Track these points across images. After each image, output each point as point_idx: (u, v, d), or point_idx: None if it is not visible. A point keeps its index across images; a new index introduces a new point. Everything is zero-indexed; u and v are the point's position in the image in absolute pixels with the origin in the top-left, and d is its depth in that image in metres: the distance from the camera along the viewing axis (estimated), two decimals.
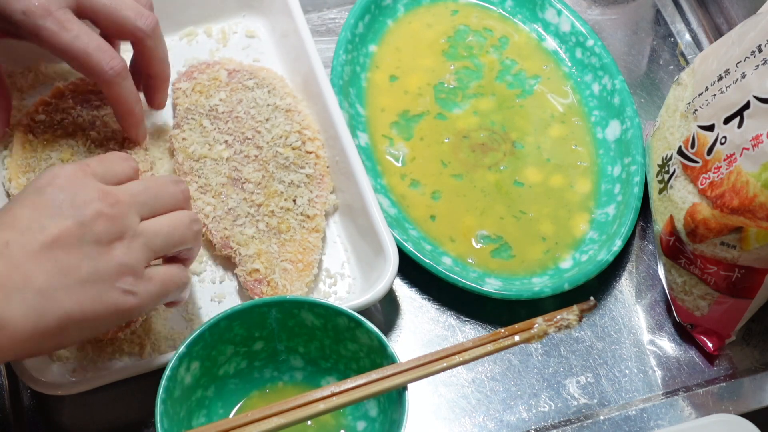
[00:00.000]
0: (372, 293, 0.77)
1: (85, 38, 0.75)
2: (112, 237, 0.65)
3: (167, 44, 0.81)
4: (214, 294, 0.80)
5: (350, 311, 0.72)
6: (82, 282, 0.64)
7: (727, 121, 0.75)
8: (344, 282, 0.81)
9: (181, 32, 0.91)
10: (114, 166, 0.70)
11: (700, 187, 0.77)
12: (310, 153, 0.83)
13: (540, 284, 0.82)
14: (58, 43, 0.75)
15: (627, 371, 0.82)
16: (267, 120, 0.84)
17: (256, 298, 0.78)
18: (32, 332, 0.62)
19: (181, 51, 0.90)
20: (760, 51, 0.73)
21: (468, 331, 0.82)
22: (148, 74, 0.82)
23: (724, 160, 0.74)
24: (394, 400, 0.70)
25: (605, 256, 0.83)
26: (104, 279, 0.65)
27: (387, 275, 0.77)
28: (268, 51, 0.91)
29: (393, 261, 0.78)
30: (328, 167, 0.84)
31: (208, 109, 0.84)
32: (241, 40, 0.92)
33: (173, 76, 0.85)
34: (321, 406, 0.67)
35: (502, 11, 0.96)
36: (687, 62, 0.98)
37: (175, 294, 0.70)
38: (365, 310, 0.78)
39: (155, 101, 0.84)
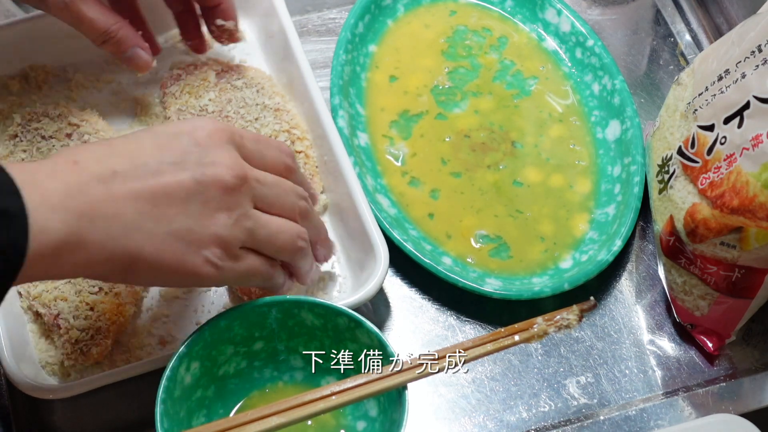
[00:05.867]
0: (362, 292, 0.77)
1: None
2: (221, 206, 0.65)
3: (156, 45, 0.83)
4: (203, 291, 0.80)
5: (350, 311, 0.72)
6: (169, 233, 0.63)
7: (727, 121, 0.75)
8: (335, 281, 0.81)
9: (168, 34, 0.90)
10: (266, 151, 0.70)
11: (700, 187, 0.77)
12: (300, 152, 0.83)
13: (540, 284, 0.82)
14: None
15: (627, 371, 0.82)
16: (256, 119, 0.84)
17: (245, 297, 0.78)
18: (105, 259, 0.62)
19: (168, 52, 0.89)
20: (760, 51, 0.73)
21: (468, 331, 0.82)
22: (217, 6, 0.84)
23: (724, 160, 0.74)
24: (394, 399, 0.70)
25: (605, 256, 0.83)
26: (193, 241, 0.64)
27: (377, 274, 0.77)
28: (255, 52, 0.91)
29: (383, 260, 0.78)
30: (317, 167, 0.84)
31: (199, 110, 0.84)
32: None
33: (162, 77, 0.86)
34: (321, 405, 0.67)
35: (501, 11, 0.96)
36: (687, 62, 0.98)
37: (257, 284, 0.71)
38: (365, 310, 0.78)
39: (234, 35, 0.86)
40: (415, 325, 0.82)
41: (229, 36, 0.86)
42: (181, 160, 0.64)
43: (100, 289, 0.76)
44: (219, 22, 0.85)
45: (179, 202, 0.64)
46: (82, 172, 0.61)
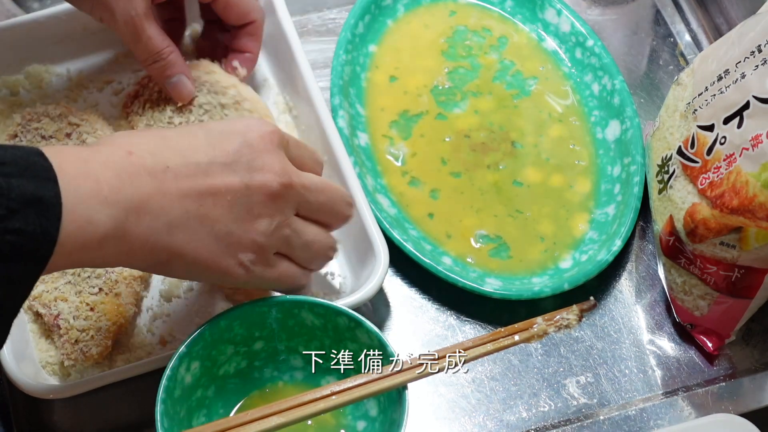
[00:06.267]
0: (362, 292, 0.77)
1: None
2: (263, 213, 0.67)
3: None
4: (204, 291, 0.80)
5: (350, 311, 0.72)
6: (210, 234, 0.65)
7: (726, 121, 0.75)
8: (335, 281, 0.81)
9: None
10: (306, 156, 0.72)
11: (700, 187, 0.77)
12: None
13: (540, 284, 0.82)
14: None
15: (627, 371, 0.82)
16: (222, 120, 0.83)
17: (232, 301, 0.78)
18: (146, 253, 0.63)
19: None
20: (760, 51, 0.73)
21: (468, 331, 0.82)
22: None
23: (724, 160, 0.74)
24: (394, 399, 0.70)
25: (605, 256, 0.83)
26: (232, 243, 0.66)
27: (377, 274, 0.77)
28: None
29: (383, 260, 0.78)
30: None
31: (167, 122, 0.83)
32: None
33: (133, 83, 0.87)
34: (321, 405, 0.67)
35: (501, 11, 0.96)
36: (687, 62, 0.98)
37: (287, 289, 0.73)
38: (365, 310, 0.78)
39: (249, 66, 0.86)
40: (415, 325, 0.82)
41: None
42: (231, 161, 0.66)
43: (101, 289, 0.76)
44: (235, 64, 0.85)
45: (225, 204, 0.65)
46: (135, 163, 0.63)
